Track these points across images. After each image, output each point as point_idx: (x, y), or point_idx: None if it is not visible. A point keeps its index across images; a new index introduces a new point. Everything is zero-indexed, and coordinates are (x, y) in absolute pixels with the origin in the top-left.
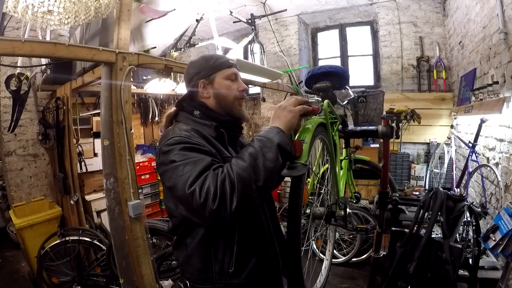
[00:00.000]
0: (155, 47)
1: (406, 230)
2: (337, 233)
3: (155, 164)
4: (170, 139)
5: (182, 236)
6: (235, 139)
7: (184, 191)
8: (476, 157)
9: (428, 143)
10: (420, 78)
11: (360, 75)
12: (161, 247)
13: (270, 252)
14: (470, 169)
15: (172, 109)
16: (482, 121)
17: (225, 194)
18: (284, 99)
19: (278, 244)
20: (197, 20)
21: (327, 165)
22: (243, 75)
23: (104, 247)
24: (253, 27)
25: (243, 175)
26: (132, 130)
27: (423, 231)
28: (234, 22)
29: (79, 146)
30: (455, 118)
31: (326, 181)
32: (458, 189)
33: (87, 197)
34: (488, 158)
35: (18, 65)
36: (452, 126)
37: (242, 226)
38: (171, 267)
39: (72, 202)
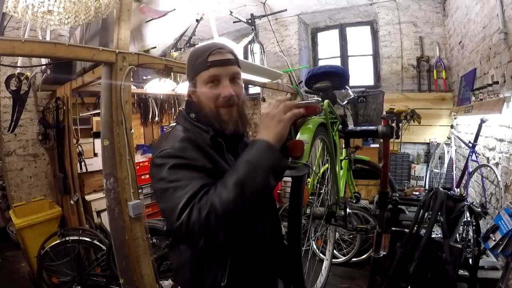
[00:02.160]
0: (155, 47)
1: (406, 230)
2: (337, 233)
3: None
4: (163, 151)
5: (177, 240)
6: (235, 143)
7: (173, 223)
8: (476, 157)
9: (428, 143)
10: (420, 78)
11: (360, 75)
12: (161, 247)
13: (267, 263)
14: (470, 169)
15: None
16: (482, 121)
17: (211, 230)
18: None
19: (277, 252)
20: (197, 20)
21: (327, 165)
22: (243, 75)
23: (104, 247)
24: (253, 27)
25: (229, 208)
26: (132, 130)
27: (423, 231)
28: (234, 22)
29: (79, 146)
30: (455, 118)
31: (326, 181)
32: (458, 189)
33: (87, 197)
34: (488, 158)
35: (18, 65)
36: (452, 126)
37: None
38: (171, 267)
39: (72, 202)
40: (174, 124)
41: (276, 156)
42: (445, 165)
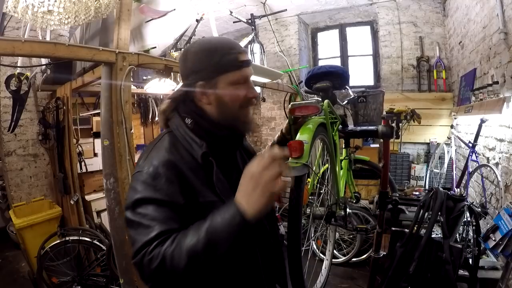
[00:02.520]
0: (155, 47)
1: (406, 230)
2: (337, 233)
3: None
4: (138, 172)
5: None
6: (233, 152)
7: (133, 256)
8: (476, 157)
9: (428, 143)
10: (420, 78)
11: (360, 75)
12: None
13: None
14: (470, 169)
15: (165, 103)
16: (482, 121)
17: (157, 281)
18: (284, 99)
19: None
20: (197, 20)
21: (327, 165)
22: None
23: (104, 247)
24: (253, 27)
25: (177, 272)
26: (132, 130)
27: (423, 231)
28: (234, 22)
29: (79, 146)
30: (455, 118)
31: (326, 181)
32: (458, 189)
33: (87, 197)
34: (488, 158)
35: (18, 65)
36: (452, 126)
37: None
38: None
39: (72, 202)
40: (165, 132)
41: (246, 232)
42: (445, 165)
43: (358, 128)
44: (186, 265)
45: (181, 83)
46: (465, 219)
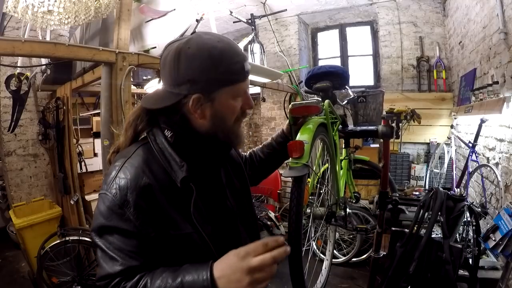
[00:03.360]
0: (155, 47)
1: (406, 230)
2: (337, 233)
3: None
4: (104, 194)
5: None
6: (217, 169)
7: (96, 278)
8: (476, 157)
9: (428, 143)
10: (420, 78)
11: (360, 75)
12: None
13: None
14: (470, 169)
15: (136, 111)
16: (482, 121)
17: None
18: (284, 99)
19: None
20: (197, 20)
21: (327, 165)
22: None
23: None
24: (253, 27)
25: None
26: None
27: (423, 231)
28: (234, 22)
29: (79, 146)
30: (455, 118)
31: (326, 181)
32: (458, 189)
33: (87, 197)
34: (488, 158)
35: (18, 65)
36: (452, 126)
37: None
38: None
39: (72, 202)
40: (140, 144)
41: None
42: (445, 165)
43: (358, 128)
44: None
45: (160, 85)
46: (465, 219)
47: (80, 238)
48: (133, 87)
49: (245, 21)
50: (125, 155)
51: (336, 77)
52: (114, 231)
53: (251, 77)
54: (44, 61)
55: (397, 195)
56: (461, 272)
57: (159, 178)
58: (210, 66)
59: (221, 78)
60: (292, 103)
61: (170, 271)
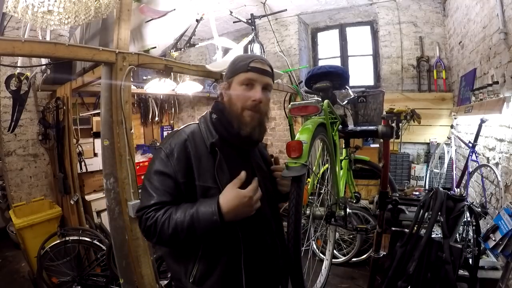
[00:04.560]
0: (155, 47)
1: (406, 230)
2: (337, 233)
3: None
4: (159, 148)
5: None
6: (245, 150)
7: (136, 210)
8: (476, 157)
9: (428, 143)
10: (420, 78)
11: (360, 75)
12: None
13: (241, 280)
14: (470, 169)
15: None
16: (482, 121)
17: (148, 236)
18: (284, 99)
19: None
20: (197, 20)
21: (327, 165)
22: None
23: (104, 247)
24: (253, 27)
25: (163, 237)
26: (132, 130)
27: (423, 231)
28: (234, 22)
29: (79, 146)
30: (455, 118)
31: (326, 181)
32: (458, 189)
33: (87, 197)
34: (488, 158)
35: (18, 65)
36: (452, 126)
37: (208, 245)
38: None
39: (72, 202)
40: (192, 122)
41: (218, 229)
42: (445, 165)
43: (358, 128)
44: (170, 235)
45: (181, 84)
46: (465, 219)
47: (80, 238)
48: (133, 87)
49: (245, 21)
50: (181, 127)
51: (336, 77)
52: (158, 173)
53: None
54: (44, 61)
55: (397, 195)
56: (461, 272)
57: (198, 146)
58: (232, 62)
59: (234, 70)
60: (291, 103)
61: (189, 204)
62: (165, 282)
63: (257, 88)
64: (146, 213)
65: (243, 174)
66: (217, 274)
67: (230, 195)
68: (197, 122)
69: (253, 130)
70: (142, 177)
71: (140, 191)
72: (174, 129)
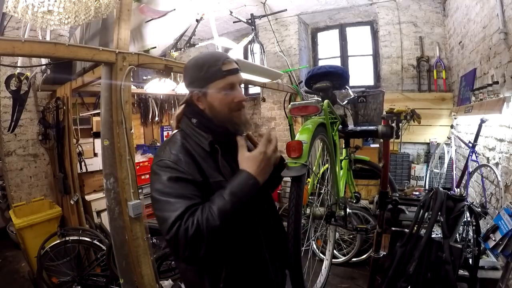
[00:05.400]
0: (155, 47)
1: (406, 230)
2: (337, 233)
3: None
4: (160, 160)
5: None
6: (233, 146)
7: (163, 234)
8: (476, 157)
9: (428, 143)
10: (420, 78)
11: (360, 75)
12: (161, 247)
13: (268, 264)
14: (470, 169)
15: (179, 109)
16: (482, 121)
17: (194, 246)
18: (284, 99)
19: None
20: (197, 20)
21: (327, 165)
22: (243, 75)
23: (104, 247)
24: (253, 27)
25: (214, 231)
26: (132, 130)
27: (423, 231)
28: (234, 22)
29: (79, 146)
30: (455, 118)
31: (326, 181)
32: (458, 189)
33: (87, 197)
34: (488, 158)
35: (18, 65)
36: (452, 126)
37: (231, 243)
38: (171, 267)
39: (72, 202)
40: (176, 131)
41: (257, 189)
42: (445, 165)
43: (358, 128)
44: (220, 222)
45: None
46: (465, 219)
47: (80, 238)
48: (133, 87)
49: (245, 21)
50: (167, 139)
51: (336, 77)
52: (174, 180)
53: (251, 77)
54: (44, 61)
55: (397, 195)
56: (461, 272)
57: (194, 148)
58: (197, 70)
59: (205, 78)
60: (291, 103)
61: (219, 192)
62: (165, 282)
63: (238, 89)
64: (182, 224)
65: (241, 139)
66: (245, 268)
67: (248, 160)
68: (179, 130)
69: (245, 125)
70: (152, 196)
71: (155, 212)
72: (160, 144)
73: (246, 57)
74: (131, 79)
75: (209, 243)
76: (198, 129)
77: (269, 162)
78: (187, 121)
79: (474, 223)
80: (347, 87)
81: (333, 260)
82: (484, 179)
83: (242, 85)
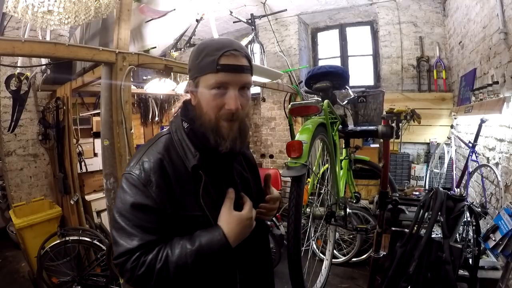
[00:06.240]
0: (155, 47)
1: (406, 230)
2: (337, 233)
3: None
4: (130, 174)
5: None
6: (228, 163)
7: (114, 256)
8: (476, 157)
9: (428, 143)
10: (420, 78)
11: (360, 75)
12: None
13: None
14: (470, 169)
15: (180, 101)
16: (482, 121)
17: (141, 284)
18: (284, 99)
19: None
20: (197, 20)
21: (327, 165)
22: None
23: (104, 247)
24: (253, 27)
25: (164, 283)
26: (132, 130)
27: (423, 231)
28: (234, 22)
29: (79, 146)
30: (455, 118)
31: (326, 181)
32: (458, 189)
33: (87, 197)
34: (488, 158)
35: (18, 65)
36: (452, 126)
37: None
38: None
39: (72, 202)
40: (163, 133)
41: (227, 252)
42: (445, 165)
43: (358, 128)
44: (174, 276)
45: (181, 84)
46: (465, 219)
47: (80, 238)
48: (133, 87)
49: (245, 21)
50: (148, 143)
51: (336, 77)
52: (136, 207)
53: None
54: (44, 61)
55: (397, 195)
56: (461, 272)
57: (176, 165)
58: (194, 56)
59: (198, 67)
60: (291, 103)
61: (186, 239)
62: None
63: (232, 93)
64: (131, 260)
65: (231, 193)
66: None
67: (232, 221)
68: (167, 132)
69: (234, 143)
70: (114, 209)
71: (111, 226)
72: (143, 144)
73: None
74: (131, 79)
75: (158, 286)
76: (188, 139)
77: (250, 228)
78: (179, 123)
79: (474, 223)
80: (347, 87)
81: (333, 260)
82: (484, 179)
83: (251, 89)
